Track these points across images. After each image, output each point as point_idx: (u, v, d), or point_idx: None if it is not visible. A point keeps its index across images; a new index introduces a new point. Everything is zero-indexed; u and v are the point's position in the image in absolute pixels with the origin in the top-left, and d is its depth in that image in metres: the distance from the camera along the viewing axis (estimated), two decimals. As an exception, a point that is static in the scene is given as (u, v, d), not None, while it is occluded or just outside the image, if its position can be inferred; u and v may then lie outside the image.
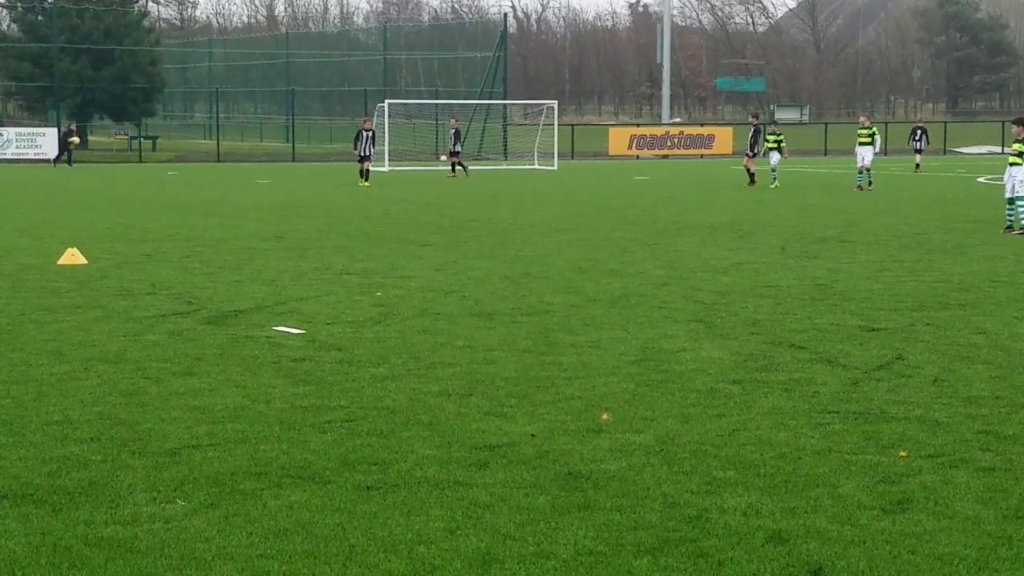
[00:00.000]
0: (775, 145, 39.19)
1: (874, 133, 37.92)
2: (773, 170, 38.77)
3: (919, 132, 48.93)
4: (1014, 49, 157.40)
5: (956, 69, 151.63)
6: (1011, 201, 23.27)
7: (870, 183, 37.13)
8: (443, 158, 56.06)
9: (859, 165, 37.49)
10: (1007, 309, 13.55)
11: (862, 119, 39.84)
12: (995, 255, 18.93)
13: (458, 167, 46.29)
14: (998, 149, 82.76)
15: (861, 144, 37.58)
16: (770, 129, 41.67)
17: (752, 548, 6.17)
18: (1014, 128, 23.49)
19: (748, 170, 39.81)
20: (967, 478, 7.28)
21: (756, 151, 40.20)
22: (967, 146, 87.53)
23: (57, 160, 55.85)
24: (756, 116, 46.12)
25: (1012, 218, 23.18)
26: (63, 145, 56.05)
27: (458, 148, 47.03)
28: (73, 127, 58.71)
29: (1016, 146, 23.26)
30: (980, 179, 44.24)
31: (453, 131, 46.99)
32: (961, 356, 10.88)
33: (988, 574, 5.86)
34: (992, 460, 7.64)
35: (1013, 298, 14.40)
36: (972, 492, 7.02)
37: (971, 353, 11.01)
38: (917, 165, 48.60)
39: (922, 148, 48.82)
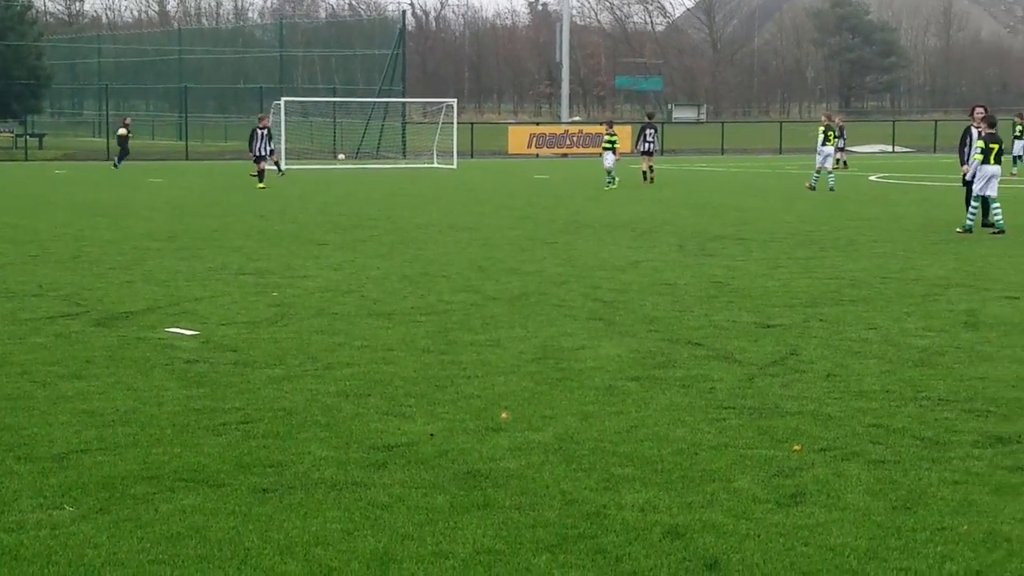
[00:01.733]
0: (609, 146, 38.16)
1: (828, 132, 37.06)
2: (608, 171, 37.66)
3: (841, 130, 49.31)
4: (904, 50, 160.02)
5: (849, 69, 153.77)
6: (979, 199, 22.92)
7: (831, 187, 35.92)
8: (341, 156, 55.77)
9: (818, 165, 36.51)
10: (897, 305, 13.75)
11: (823, 117, 39.53)
12: (885, 252, 19.22)
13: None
14: (889, 148, 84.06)
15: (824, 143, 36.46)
16: (606, 130, 40.73)
17: (650, 543, 6.21)
18: (981, 125, 23.13)
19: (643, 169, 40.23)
20: (858, 471, 7.38)
21: (647, 148, 40.68)
22: (859, 145, 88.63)
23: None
24: (651, 115, 46.50)
25: (974, 217, 22.84)
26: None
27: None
28: None
29: (980, 143, 22.93)
30: (872, 177, 44.88)
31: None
32: (853, 351, 11.03)
33: (878, 564, 5.94)
34: (882, 453, 7.75)
35: (902, 294, 14.62)
36: (863, 484, 7.12)
37: (862, 348, 11.17)
38: (845, 163, 49.38)
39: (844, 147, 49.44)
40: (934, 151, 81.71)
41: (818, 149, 36.75)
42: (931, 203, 30.74)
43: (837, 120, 46.26)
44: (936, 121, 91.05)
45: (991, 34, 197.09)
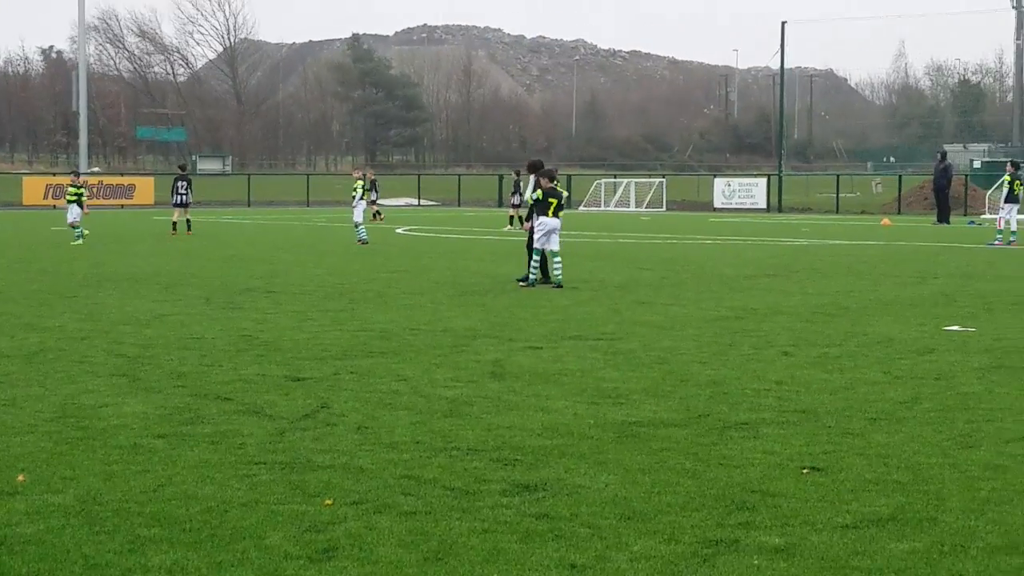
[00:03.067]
0: (75, 198, 35.90)
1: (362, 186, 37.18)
2: (73, 227, 35.64)
3: (374, 184, 49.94)
4: (426, 105, 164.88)
5: (373, 123, 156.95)
6: (539, 252, 22.78)
7: (363, 240, 35.80)
8: None
9: (356, 219, 36.13)
10: (425, 356, 14.00)
11: (356, 172, 39.89)
12: (414, 304, 19.58)
13: None
14: (415, 201, 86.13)
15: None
16: (71, 181, 37.82)
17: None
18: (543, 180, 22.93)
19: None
20: (390, 523, 7.41)
21: (181, 200, 40.37)
22: (387, 198, 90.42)
23: None
24: (183, 167, 45.92)
25: (536, 270, 22.74)
26: None
27: None
28: None
29: (538, 195, 22.97)
30: (399, 230, 45.78)
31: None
32: (384, 403, 11.12)
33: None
34: (414, 504, 7.82)
35: (431, 345, 14.90)
36: (395, 536, 7.14)
37: (393, 400, 11.28)
38: (381, 214, 50.68)
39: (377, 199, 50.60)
40: (458, 204, 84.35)
41: (355, 203, 36.93)
42: (457, 255, 31.62)
43: (369, 174, 47.15)
44: (460, 175, 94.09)
45: (510, 92, 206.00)
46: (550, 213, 22.79)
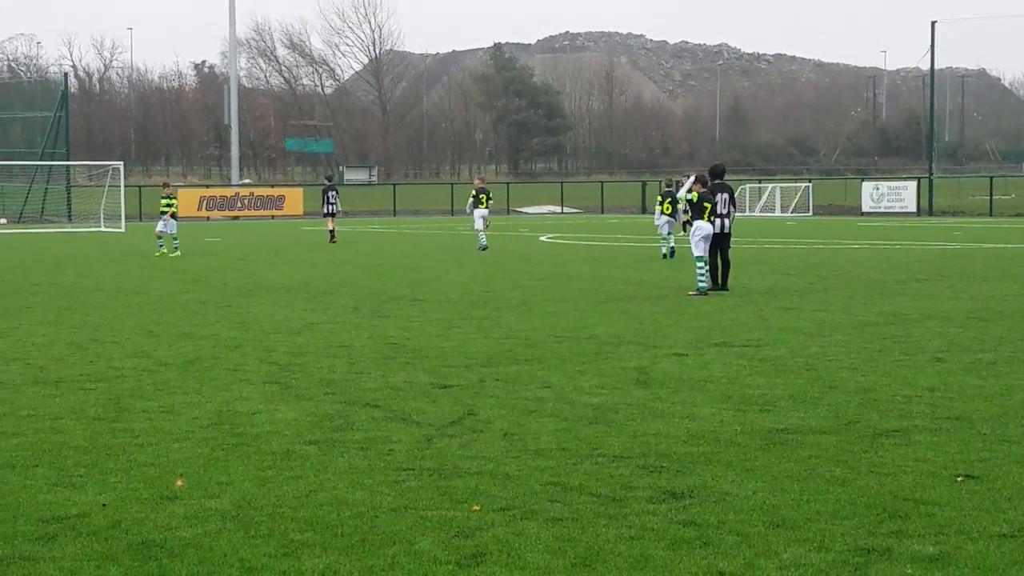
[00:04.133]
0: (167, 209, 35.67)
1: (481, 194, 37.76)
2: (159, 237, 35.90)
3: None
4: (569, 113, 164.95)
5: (516, 132, 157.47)
6: (702, 259, 22.42)
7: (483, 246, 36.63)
8: (3, 221, 53.77)
9: (478, 227, 37.23)
10: (570, 363, 14.03)
11: (477, 180, 40.22)
12: (558, 311, 19.63)
13: None
14: (558, 209, 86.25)
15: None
16: (164, 193, 37.00)
17: (332, 611, 6.10)
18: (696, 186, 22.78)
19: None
20: (537, 529, 7.45)
21: (330, 210, 41.41)
22: (529, 206, 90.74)
23: None
24: (330, 178, 46.66)
25: (705, 277, 22.37)
26: None
27: None
28: None
29: (693, 195, 22.73)
30: (543, 238, 45.92)
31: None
32: (529, 410, 11.18)
33: (562, 622, 5.99)
34: (560, 511, 7.85)
35: (575, 352, 14.93)
36: (542, 542, 7.18)
37: (538, 407, 11.33)
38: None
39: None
40: (602, 211, 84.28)
41: (469, 210, 37.72)
42: (600, 262, 31.62)
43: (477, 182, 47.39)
44: (603, 182, 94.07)
45: (652, 98, 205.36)
46: (705, 217, 22.69)
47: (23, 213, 68.60)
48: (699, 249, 22.45)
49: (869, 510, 7.79)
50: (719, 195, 23.22)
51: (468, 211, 38.32)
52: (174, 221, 35.78)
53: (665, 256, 32.31)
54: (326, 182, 44.99)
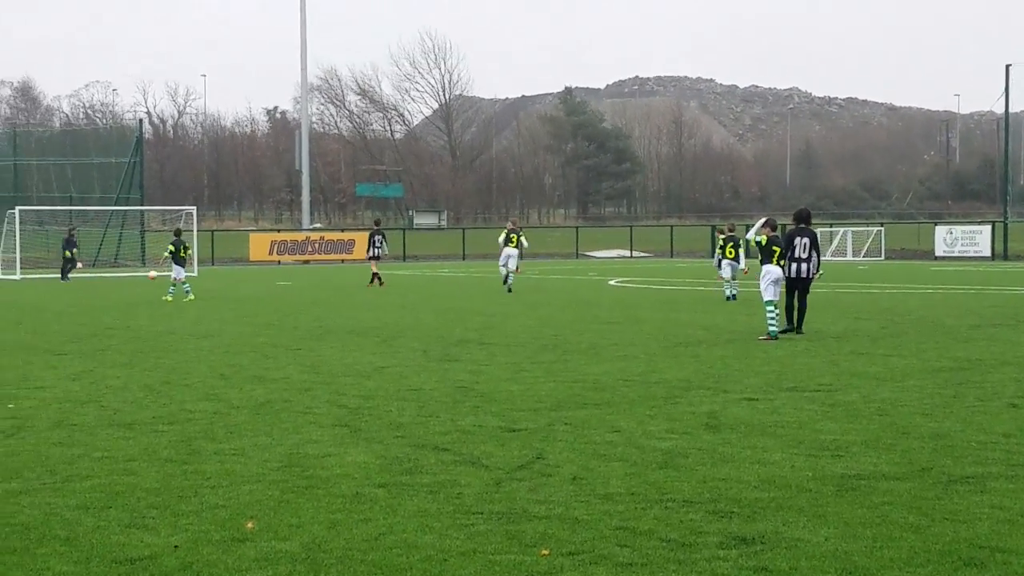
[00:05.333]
0: (176, 253, 36.15)
1: (512, 235, 38.68)
2: (174, 284, 36.09)
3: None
4: (638, 157, 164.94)
5: (585, 176, 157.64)
6: (771, 303, 22.38)
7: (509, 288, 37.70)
8: (79, 265, 54.49)
9: (512, 267, 38.21)
10: (639, 407, 13.99)
11: (509, 223, 40.67)
12: (627, 355, 19.58)
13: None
14: (627, 253, 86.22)
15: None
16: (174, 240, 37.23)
17: (401, 654, 6.10)
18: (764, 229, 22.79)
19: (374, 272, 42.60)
20: (606, 574, 7.42)
21: (375, 253, 42.41)
22: (598, 250, 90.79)
23: None
24: (377, 222, 47.15)
25: (775, 320, 22.22)
26: None
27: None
28: None
29: (763, 239, 22.69)
30: (612, 282, 45.86)
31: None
32: (598, 454, 11.15)
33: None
34: (629, 555, 7.81)
35: (644, 397, 14.88)
36: (613, 587, 7.15)
37: (607, 451, 11.29)
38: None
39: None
40: (671, 255, 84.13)
41: (508, 252, 38.56)
42: (670, 306, 31.53)
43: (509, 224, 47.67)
44: (672, 226, 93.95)
45: (721, 142, 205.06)
46: (774, 261, 22.66)
47: (98, 258, 69.46)
48: (769, 293, 22.43)
49: (944, 558, 7.69)
50: (799, 239, 23.10)
51: (501, 246, 38.96)
52: (180, 268, 36.36)
53: (728, 299, 32.53)
54: (374, 226, 45.42)
